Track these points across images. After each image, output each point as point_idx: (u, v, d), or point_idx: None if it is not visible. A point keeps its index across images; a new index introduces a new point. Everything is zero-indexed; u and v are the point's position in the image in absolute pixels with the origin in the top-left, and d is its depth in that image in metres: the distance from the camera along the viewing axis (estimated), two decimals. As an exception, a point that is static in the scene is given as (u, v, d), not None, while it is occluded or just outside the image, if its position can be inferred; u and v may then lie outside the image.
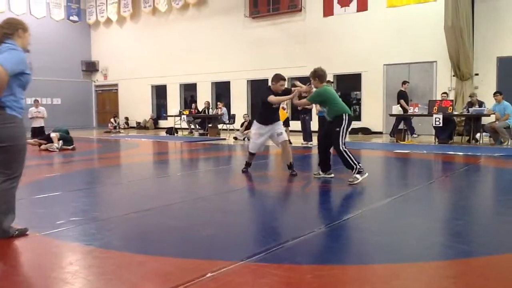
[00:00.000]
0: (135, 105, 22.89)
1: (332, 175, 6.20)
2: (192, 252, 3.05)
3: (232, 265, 2.74)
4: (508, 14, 13.31)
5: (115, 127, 20.82)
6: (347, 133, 6.03)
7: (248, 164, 6.95)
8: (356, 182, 5.69)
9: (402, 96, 13.09)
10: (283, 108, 12.73)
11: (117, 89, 24.11)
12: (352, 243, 3.37)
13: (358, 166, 5.77)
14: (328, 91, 6.10)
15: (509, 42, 13.29)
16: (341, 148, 5.84)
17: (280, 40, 17.56)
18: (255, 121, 6.78)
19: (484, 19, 13.52)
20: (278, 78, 6.37)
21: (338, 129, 5.89)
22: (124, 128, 22.22)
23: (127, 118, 23.10)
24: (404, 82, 13.29)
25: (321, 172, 6.27)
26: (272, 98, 6.28)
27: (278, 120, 6.73)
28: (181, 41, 20.50)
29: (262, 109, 6.61)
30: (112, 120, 21.22)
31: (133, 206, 4.61)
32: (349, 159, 5.81)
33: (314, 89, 6.23)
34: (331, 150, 6.15)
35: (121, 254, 3.05)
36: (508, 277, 2.64)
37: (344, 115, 5.94)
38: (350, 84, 16.80)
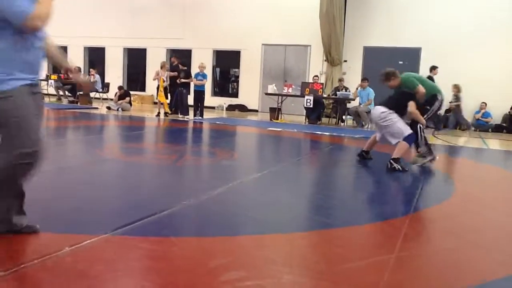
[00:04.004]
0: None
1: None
2: (50, 227, 2.83)
3: (93, 239, 2.59)
4: (376, 7, 14.41)
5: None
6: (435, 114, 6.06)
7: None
8: (420, 163, 5.93)
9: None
10: (164, 81, 12.42)
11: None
12: (219, 216, 3.41)
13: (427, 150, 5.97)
14: (414, 75, 6.36)
15: (374, 33, 14.44)
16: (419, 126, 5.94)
17: (159, 9, 16.96)
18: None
19: (355, 9, 14.48)
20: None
21: (428, 107, 5.96)
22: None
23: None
24: (433, 68, 12.42)
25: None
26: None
27: None
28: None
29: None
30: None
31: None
32: (421, 138, 5.95)
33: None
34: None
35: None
36: (359, 246, 2.88)
37: (438, 95, 5.99)
38: (228, 61, 16.94)
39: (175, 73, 12.65)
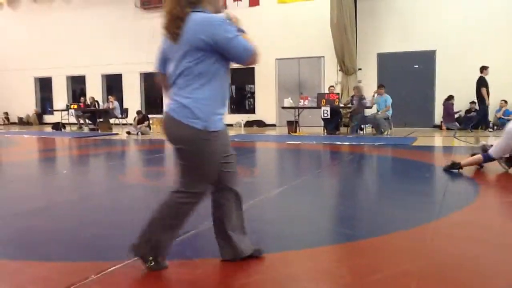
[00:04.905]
0: (16, 99, 21.08)
1: None
2: (76, 255, 2.87)
3: (118, 265, 2.62)
4: (387, 13, 14.39)
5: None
6: None
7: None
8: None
9: (483, 83, 12.01)
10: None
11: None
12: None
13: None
14: None
15: (387, 39, 14.40)
16: None
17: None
18: None
19: (366, 17, 14.48)
20: None
21: None
22: (4, 124, 20.40)
23: (6, 113, 21.23)
24: (484, 68, 11.93)
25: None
26: None
27: None
28: (69, 30, 19.24)
29: None
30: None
31: (12, 208, 4.24)
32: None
33: None
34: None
35: (-6, 262, 2.78)
36: (385, 256, 2.84)
37: None
38: (243, 78, 17.06)
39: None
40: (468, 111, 13.46)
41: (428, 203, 4.37)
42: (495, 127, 12.69)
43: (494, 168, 5.86)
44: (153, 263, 2.49)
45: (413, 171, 6.33)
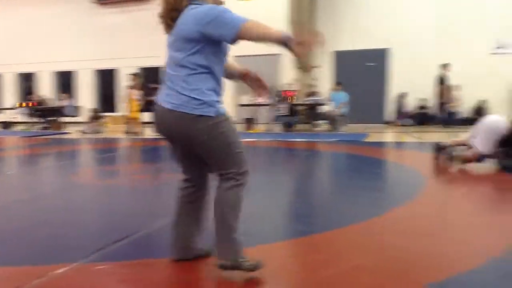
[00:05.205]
0: (-39, 98, 20.12)
1: None
2: (21, 258, 2.75)
3: (64, 268, 2.52)
4: (345, 11, 14.63)
5: None
6: None
7: None
8: None
9: (443, 80, 12.57)
10: (136, 99, 12.31)
11: None
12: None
13: None
14: None
15: (344, 37, 14.63)
16: None
17: (129, 28, 16.89)
18: None
19: (324, 15, 14.66)
20: None
21: None
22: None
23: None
24: (445, 65, 12.54)
25: None
26: None
27: None
28: (20, 26, 18.49)
29: None
30: None
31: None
32: None
33: None
34: None
35: None
36: (338, 251, 2.87)
37: None
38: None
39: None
40: (421, 108, 13.90)
41: (378, 198, 4.46)
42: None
43: (447, 163, 6.06)
44: (249, 262, 2.39)
45: (364, 166, 6.46)
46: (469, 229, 3.33)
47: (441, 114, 12.85)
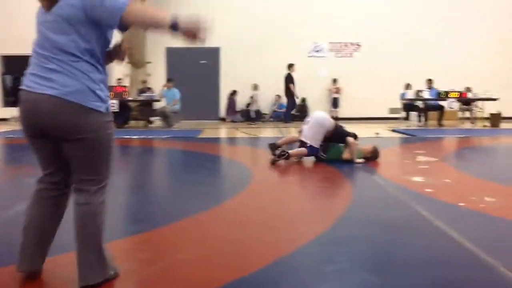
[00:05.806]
0: None
1: None
2: None
3: None
4: (180, 9, 14.59)
5: None
6: None
7: None
8: None
9: (290, 79, 13.74)
10: None
11: None
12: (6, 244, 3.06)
13: None
14: None
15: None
16: None
17: None
18: None
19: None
20: None
21: None
22: None
23: None
24: (291, 65, 13.77)
25: None
26: None
27: None
28: None
29: None
30: None
31: None
32: None
33: None
34: None
35: None
36: (164, 247, 2.89)
37: None
38: (22, 67, 15.25)
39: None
40: (248, 105, 14.70)
41: (208, 192, 4.61)
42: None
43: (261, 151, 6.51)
44: (113, 271, 2.26)
45: (197, 162, 6.60)
46: (289, 216, 3.65)
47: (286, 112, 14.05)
